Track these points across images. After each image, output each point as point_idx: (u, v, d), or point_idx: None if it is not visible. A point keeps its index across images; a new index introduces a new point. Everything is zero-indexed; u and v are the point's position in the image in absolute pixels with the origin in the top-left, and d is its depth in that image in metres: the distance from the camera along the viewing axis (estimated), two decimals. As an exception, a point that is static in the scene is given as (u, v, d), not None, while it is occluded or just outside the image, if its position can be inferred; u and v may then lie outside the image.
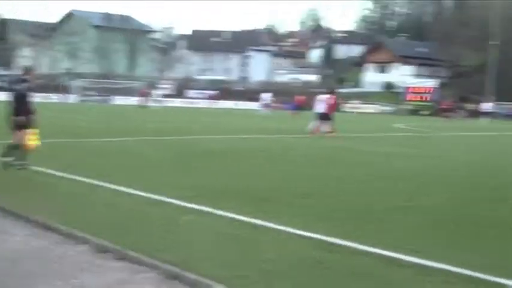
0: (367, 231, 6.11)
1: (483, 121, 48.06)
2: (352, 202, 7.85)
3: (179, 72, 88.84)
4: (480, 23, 74.50)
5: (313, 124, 22.44)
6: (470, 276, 4.60)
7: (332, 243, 5.51)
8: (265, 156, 13.90)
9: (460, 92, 72.29)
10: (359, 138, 21.34)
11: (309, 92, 61.13)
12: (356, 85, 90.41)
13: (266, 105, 47.01)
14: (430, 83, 76.82)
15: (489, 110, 51.58)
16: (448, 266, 4.85)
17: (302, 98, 46.74)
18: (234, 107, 68.29)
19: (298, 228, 6.00)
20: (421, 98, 75.54)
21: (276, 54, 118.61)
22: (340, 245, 5.46)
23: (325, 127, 21.98)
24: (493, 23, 66.11)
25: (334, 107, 22.33)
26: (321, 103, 22.87)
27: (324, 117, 22.06)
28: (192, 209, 6.94)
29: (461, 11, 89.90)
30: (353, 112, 53.55)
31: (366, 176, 10.76)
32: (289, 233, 5.90)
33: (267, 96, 47.51)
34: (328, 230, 5.94)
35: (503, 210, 7.67)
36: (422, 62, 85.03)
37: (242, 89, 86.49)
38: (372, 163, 13.35)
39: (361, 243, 5.50)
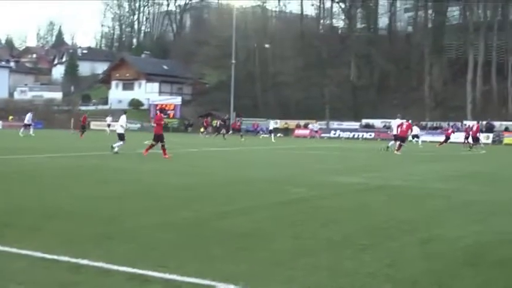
0: (116, 250, 6.13)
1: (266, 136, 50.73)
2: (101, 221, 7.78)
3: None
4: (219, 42, 78.58)
5: (118, 144, 22.81)
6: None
7: (78, 265, 5.45)
8: (19, 178, 13.29)
9: (203, 108, 75.45)
10: (115, 156, 21.37)
11: (54, 110, 59.02)
12: (102, 102, 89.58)
13: (26, 126, 43.03)
14: (175, 100, 79.13)
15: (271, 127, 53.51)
16: (198, 279, 5.04)
17: (84, 116, 47.02)
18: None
19: (43, 252, 5.83)
20: (168, 115, 77.42)
21: (15, 71, 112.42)
22: (86, 266, 5.43)
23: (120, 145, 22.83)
24: (232, 42, 70.02)
25: (161, 126, 22.39)
26: (120, 124, 23.82)
27: (157, 137, 21.89)
28: None
29: (200, 30, 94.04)
30: (106, 130, 52.60)
31: (121, 194, 10.77)
32: (34, 257, 5.70)
33: (29, 116, 43.36)
34: (74, 252, 5.84)
35: (242, 222, 8.20)
36: (165, 79, 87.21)
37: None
38: (125, 180, 13.46)
39: (107, 262, 5.51)
